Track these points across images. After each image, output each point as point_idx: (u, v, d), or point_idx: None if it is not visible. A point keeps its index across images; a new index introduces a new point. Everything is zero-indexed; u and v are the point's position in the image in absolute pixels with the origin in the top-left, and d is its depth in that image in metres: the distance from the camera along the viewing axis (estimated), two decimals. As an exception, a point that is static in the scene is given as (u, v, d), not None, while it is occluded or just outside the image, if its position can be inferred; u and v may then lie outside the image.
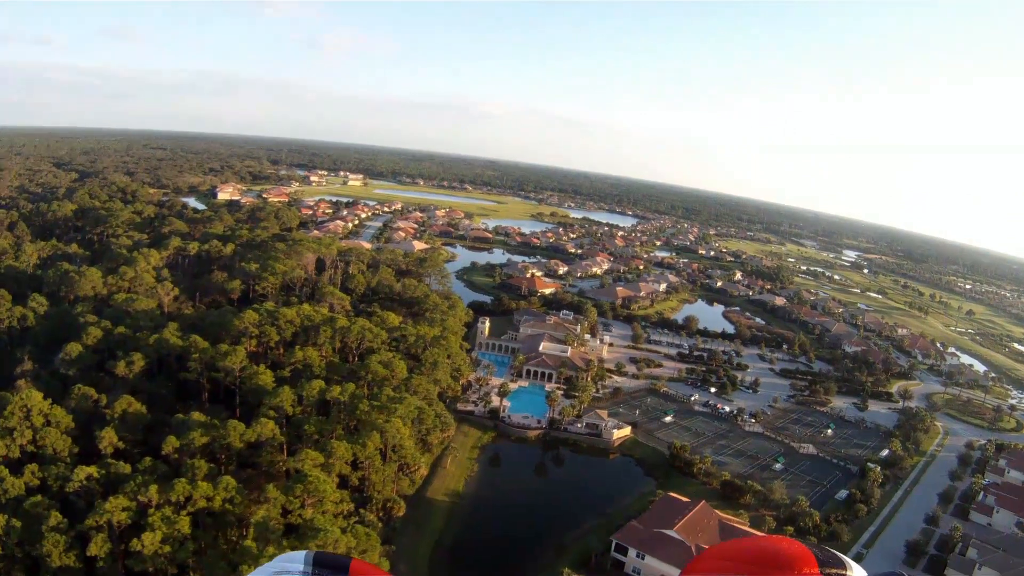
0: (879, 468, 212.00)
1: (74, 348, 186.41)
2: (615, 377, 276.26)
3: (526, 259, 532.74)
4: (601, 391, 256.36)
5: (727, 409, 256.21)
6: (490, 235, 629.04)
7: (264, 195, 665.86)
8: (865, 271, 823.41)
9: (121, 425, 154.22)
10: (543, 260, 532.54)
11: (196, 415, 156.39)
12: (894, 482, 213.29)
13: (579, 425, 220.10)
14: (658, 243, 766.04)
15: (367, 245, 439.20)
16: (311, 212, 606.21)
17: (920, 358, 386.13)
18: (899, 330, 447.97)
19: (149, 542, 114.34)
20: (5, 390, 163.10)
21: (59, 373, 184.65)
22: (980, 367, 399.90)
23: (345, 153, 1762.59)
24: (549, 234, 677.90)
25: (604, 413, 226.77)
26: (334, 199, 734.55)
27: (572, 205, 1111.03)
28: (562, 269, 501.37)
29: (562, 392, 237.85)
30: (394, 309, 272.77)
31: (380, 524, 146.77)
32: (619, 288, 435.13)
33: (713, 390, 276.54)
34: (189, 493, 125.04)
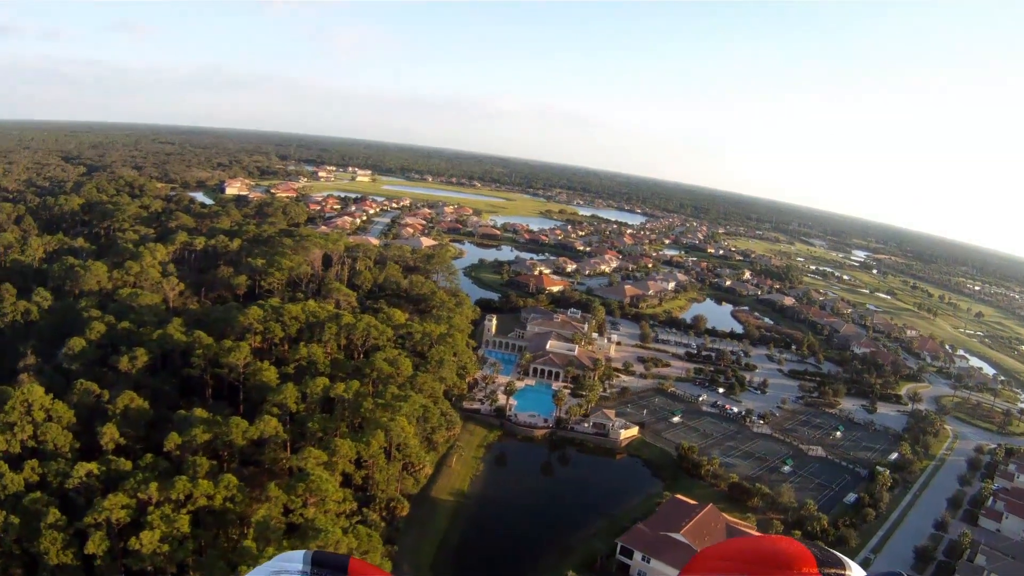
0: (888, 472, 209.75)
1: (77, 343, 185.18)
2: (622, 376, 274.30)
3: (534, 256, 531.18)
4: (608, 390, 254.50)
5: (735, 410, 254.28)
6: (498, 232, 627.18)
7: (272, 190, 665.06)
8: (874, 271, 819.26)
9: (123, 421, 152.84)
10: (551, 257, 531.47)
11: (199, 411, 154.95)
12: (903, 486, 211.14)
13: (586, 425, 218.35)
14: (667, 241, 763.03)
15: (375, 241, 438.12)
16: (319, 208, 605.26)
17: (929, 360, 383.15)
18: (908, 332, 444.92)
19: (148, 541, 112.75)
20: (8, 384, 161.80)
21: (62, 368, 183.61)
22: (989, 370, 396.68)
23: (354, 149, 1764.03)
24: (558, 231, 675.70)
25: (611, 413, 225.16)
26: (342, 195, 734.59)
27: (581, 202, 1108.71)
28: (570, 267, 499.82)
29: (569, 391, 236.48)
30: (401, 306, 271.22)
31: (383, 524, 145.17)
32: (627, 286, 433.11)
33: (721, 390, 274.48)
34: (190, 491, 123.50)
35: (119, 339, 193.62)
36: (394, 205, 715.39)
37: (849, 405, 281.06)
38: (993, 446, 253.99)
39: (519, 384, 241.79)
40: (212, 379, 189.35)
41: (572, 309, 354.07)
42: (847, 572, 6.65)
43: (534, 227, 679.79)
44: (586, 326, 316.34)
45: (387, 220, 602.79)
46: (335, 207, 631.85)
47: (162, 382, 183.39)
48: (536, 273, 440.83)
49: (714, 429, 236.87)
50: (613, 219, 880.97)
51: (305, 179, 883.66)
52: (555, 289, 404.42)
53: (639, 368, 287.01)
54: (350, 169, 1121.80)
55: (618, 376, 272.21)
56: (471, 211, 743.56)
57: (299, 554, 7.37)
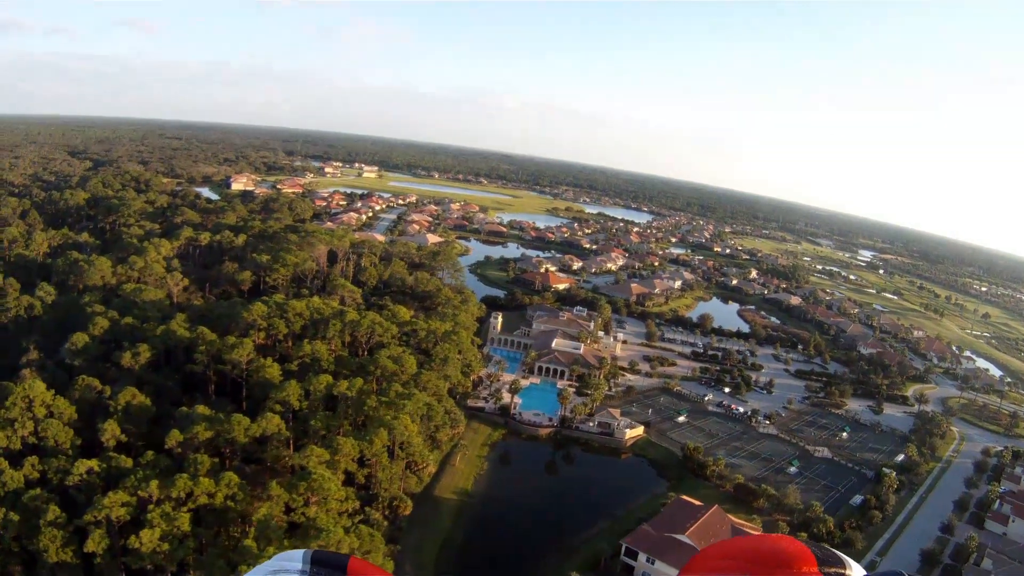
0: (894, 474, 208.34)
1: (80, 338, 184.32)
2: (628, 375, 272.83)
3: (540, 254, 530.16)
4: (614, 389, 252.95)
5: (741, 410, 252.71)
6: (504, 229, 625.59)
7: (278, 186, 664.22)
8: (881, 271, 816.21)
9: (124, 417, 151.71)
10: (557, 255, 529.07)
11: (201, 409, 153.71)
12: (909, 488, 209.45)
13: (591, 424, 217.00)
14: (673, 240, 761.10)
15: (380, 237, 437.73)
16: (325, 203, 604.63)
17: (936, 361, 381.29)
18: (915, 332, 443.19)
19: (147, 539, 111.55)
20: (10, 380, 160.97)
21: (65, 363, 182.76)
22: (996, 371, 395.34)
23: (360, 145, 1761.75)
24: (564, 229, 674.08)
25: (617, 412, 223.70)
26: (348, 191, 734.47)
27: (587, 200, 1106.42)
28: (576, 264, 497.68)
29: (574, 390, 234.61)
30: (406, 303, 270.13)
31: (386, 523, 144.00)
32: (633, 285, 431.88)
33: (727, 390, 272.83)
34: (190, 489, 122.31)
35: (122, 335, 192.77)
36: (400, 202, 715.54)
37: (855, 406, 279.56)
38: (1000, 448, 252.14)
39: (524, 382, 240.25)
40: (215, 375, 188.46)
41: (578, 307, 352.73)
42: (847, 571, 6.66)
43: (540, 224, 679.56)
44: (592, 324, 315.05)
45: (393, 216, 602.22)
46: (341, 203, 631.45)
47: (165, 378, 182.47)
48: (542, 271, 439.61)
49: (720, 429, 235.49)
50: (620, 217, 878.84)
51: (311, 175, 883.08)
52: (561, 287, 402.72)
53: (645, 367, 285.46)
54: (356, 165, 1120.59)
55: (624, 375, 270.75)
56: (477, 208, 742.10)
57: (298, 553, 7.32)
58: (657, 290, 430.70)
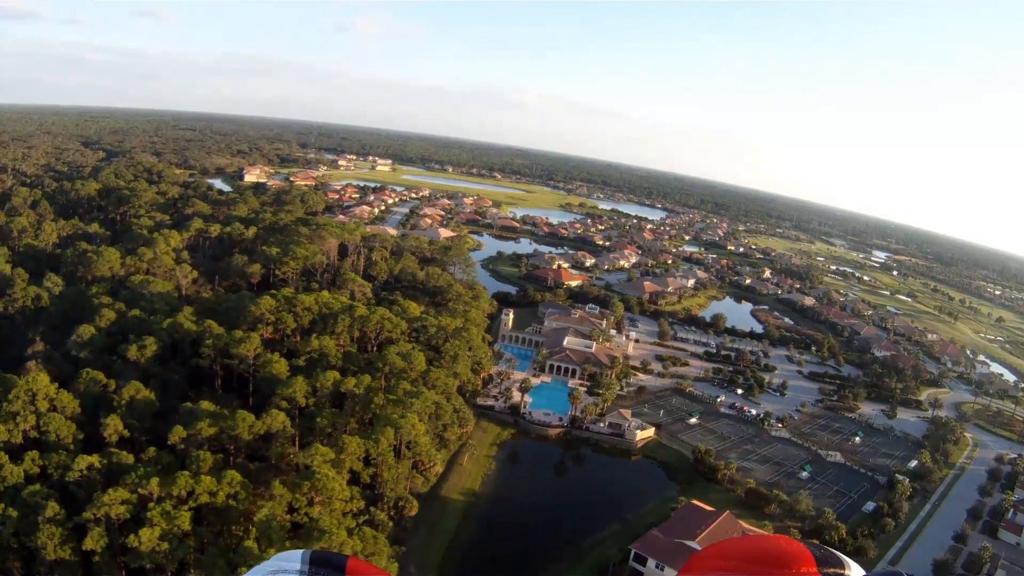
0: (907, 480, 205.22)
1: (86, 330, 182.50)
2: (640, 375, 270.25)
3: (553, 250, 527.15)
4: (625, 389, 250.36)
5: (753, 412, 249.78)
6: (517, 224, 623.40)
7: (291, 178, 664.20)
8: (894, 273, 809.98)
9: (128, 412, 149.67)
10: (570, 251, 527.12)
11: (205, 404, 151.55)
12: (922, 495, 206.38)
13: (601, 424, 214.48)
14: (687, 237, 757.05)
15: (392, 231, 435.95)
16: (338, 196, 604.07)
17: (950, 365, 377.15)
18: (929, 335, 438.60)
19: (147, 538, 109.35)
20: (15, 371, 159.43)
21: (71, 355, 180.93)
22: (1010, 377, 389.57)
23: (374, 138, 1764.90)
24: (577, 225, 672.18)
25: (627, 413, 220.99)
26: (361, 184, 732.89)
27: (601, 196, 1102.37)
28: (589, 261, 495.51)
29: (585, 389, 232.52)
30: (416, 298, 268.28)
31: (391, 524, 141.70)
32: (646, 282, 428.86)
33: (740, 392, 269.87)
34: (192, 487, 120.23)
35: (129, 327, 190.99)
36: (413, 195, 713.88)
37: (869, 410, 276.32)
38: (1014, 456, 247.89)
39: (535, 381, 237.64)
40: (222, 370, 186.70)
41: (590, 305, 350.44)
42: (847, 572, 6.82)
43: (553, 220, 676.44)
44: (604, 322, 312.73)
45: (406, 210, 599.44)
46: (354, 196, 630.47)
47: (171, 372, 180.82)
48: (555, 267, 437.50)
49: (732, 431, 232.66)
50: (633, 214, 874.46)
51: (325, 167, 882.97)
52: (573, 284, 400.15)
53: (657, 367, 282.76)
54: (370, 158, 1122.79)
55: (635, 375, 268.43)
56: (490, 203, 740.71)
57: (297, 553, 7.49)
58: (670, 288, 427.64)
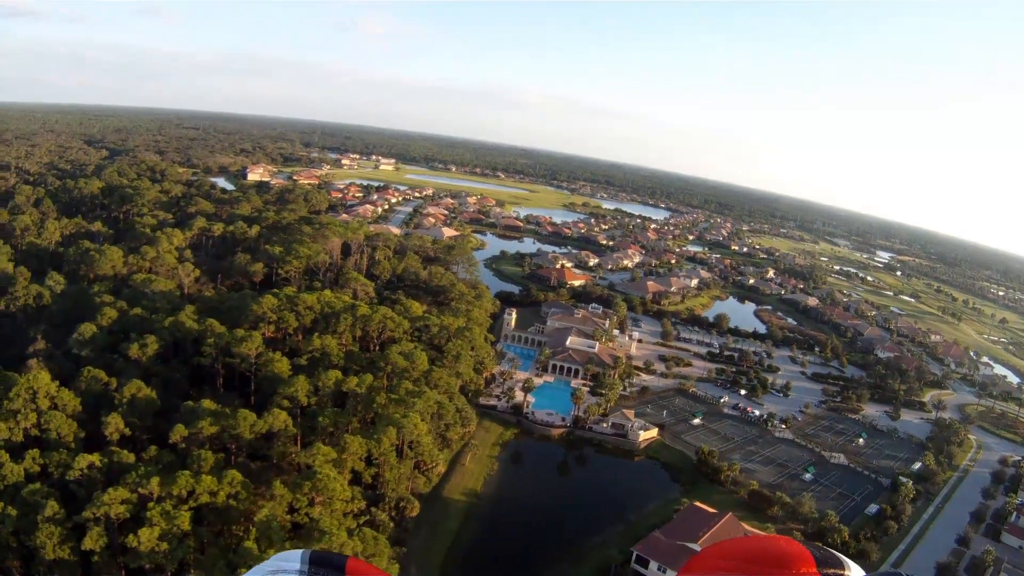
0: (911, 483, 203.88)
1: (88, 329, 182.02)
2: (643, 375, 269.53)
3: (556, 249, 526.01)
4: (628, 389, 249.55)
5: (757, 413, 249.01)
6: (521, 224, 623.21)
7: (294, 177, 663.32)
8: (898, 273, 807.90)
9: (129, 411, 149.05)
10: (574, 251, 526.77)
11: (206, 403, 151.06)
12: (926, 498, 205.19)
13: (604, 425, 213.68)
14: (690, 237, 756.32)
15: (396, 230, 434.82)
16: (341, 195, 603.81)
17: (953, 367, 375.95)
18: (932, 336, 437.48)
19: (146, 538, 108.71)
20: (17, 370, 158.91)
21: (72, 354, 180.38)
22: (1014, 378, 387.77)
23: (378, 137, 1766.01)
24: (580, 224, 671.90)
25: (631, 413, 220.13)
26: (365, 183, 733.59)
27: (605, 196, 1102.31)
28: (593, 261, 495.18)
29: (588, 389, 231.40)
30: (419, 297, 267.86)
31: (392, 524, 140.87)
32: (650, 282, 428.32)
33: (743, 392, 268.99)
34: (192, 487, 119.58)
35: (131, 325, 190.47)
36: (417, 194, 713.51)
37: (872, 411, 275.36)
38: (1018, 458, 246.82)
39: (537, 381, 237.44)
40: (224, 369, 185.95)
41: (593, 304, 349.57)
42: (846, 572, 6.81)
43: (557, 220, 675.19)
44: (607, 322, 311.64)
45: (409, 209, 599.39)
46: (357, 195, 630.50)
47: (173, 371, 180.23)
48: (558, 267, 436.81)
49: (735, 432, 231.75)
50: (637, 213, 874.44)
51: (328, 166, 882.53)
52: (577, 283, 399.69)
53: (660, 367, 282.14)
54: (374, 157, 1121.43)
55: (639, 375, 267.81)
56: (494, 202, 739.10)
57: (297, 553, 7.51)
58: (673, 288, 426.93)
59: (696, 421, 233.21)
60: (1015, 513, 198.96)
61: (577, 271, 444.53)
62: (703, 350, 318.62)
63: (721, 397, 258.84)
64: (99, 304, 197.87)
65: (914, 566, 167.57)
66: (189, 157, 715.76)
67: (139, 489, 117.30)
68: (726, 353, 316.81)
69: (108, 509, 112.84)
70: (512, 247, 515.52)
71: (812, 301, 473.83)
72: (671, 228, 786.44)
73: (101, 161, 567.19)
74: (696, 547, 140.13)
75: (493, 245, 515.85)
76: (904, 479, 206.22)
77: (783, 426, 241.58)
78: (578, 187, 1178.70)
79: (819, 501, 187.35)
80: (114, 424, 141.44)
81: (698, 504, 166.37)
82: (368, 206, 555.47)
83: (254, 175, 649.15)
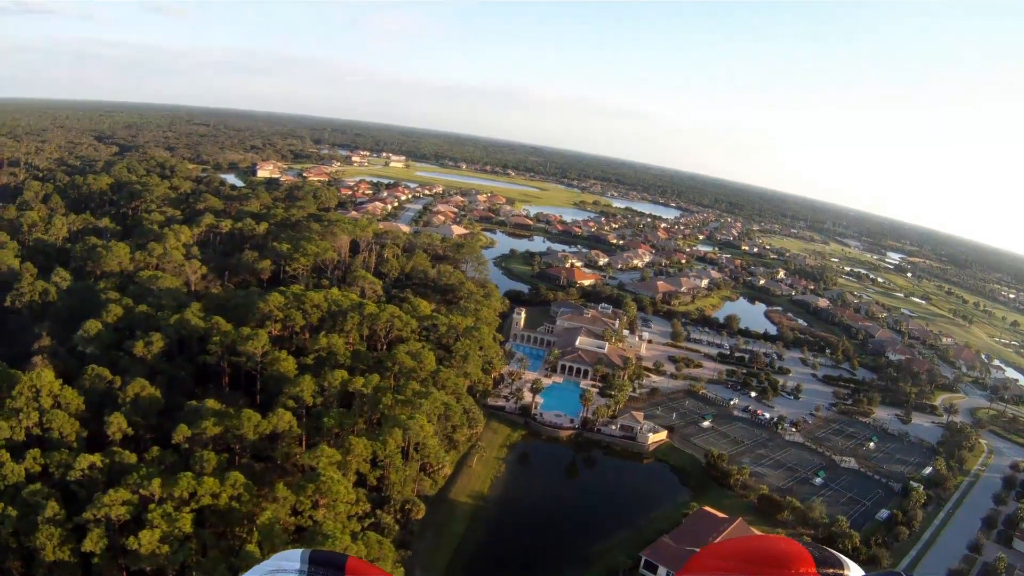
0: (922, 488, 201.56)
1: (93, 326, 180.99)
2: (653, 376, 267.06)
3: (566, 248, 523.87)
4: (638, 391, 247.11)
5: (767, 416, 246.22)
6: (531, 222, 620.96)
7: (304, 174, 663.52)
8: (909, 275, 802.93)
9: (133, 410, 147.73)
10: (583, 250, 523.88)
11: (210, 403, 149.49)
12: (936, 503, 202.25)
13: (613, 427, 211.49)
14: (701, 237, 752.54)
15: (405, 228, 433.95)
16: (351, 192, 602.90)
17: (964, 370, 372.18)
18: (944, 339, 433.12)
19: (146, 541, 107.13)
20: (22, 367, 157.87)
21: (77, 351, 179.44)
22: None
23: (389, 134, 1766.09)
24: (591, 223, 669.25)
25: (640, 415, 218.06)
26: (375, 180, 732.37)
27: (615, 194, 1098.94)
28: (602, 260, 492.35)
29: (597, 390, 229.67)
30: (428, 296, 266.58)
31: (397, 527, 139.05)
32: (660, 282, 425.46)
33: (753, 394, 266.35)
34: (194, 489, 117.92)
35: (136, 323, 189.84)
36: (426, 192, 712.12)
37: (883, 414, 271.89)
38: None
39: (546, 381, 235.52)
40: (229, 367, 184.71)
41: (603, 304, 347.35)
42: (846, 572, 6.74)
43: (567, 218, 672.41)
44: (617, 322, 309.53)
45: (419, 207, 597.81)
46: (367, 192, 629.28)
47: (178, 368, 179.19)
48: (568, 266, 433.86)
49: (745, 435, 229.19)
50: (647, 212, 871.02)
51: (338, 163, 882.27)
52: (586, 283, 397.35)
53: (670, 368, 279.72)
54: (384, 155, 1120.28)
55: (648, 376, 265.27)
56: (504, 200, 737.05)
57: (296, 553, 7.38)
58: (684, 288, 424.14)
59: (706, 423, 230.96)
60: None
61: (587, 270, 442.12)
62: (713, 351, 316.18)
63: (731, 399, 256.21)
64: (105, 301, 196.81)
65: (926, 573, 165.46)
66: (199, 153, 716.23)
67: (140, 490, 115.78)
68: (736, 354, 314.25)
69: (109, 510, 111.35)
70: (522, 245, 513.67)
71: (823, 302, 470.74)
72: (681, 227, 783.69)
73: (111, 157, 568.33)
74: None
75: (503, 243, 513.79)
76: (915, 484, 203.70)
77: (793, 429, 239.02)
78: (588, 185, 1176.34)
79: (830, 506, 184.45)
80: (116, 424, 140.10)
81: (707, 509, 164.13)
82: (378, 203, 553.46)
83: (264, 172, 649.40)
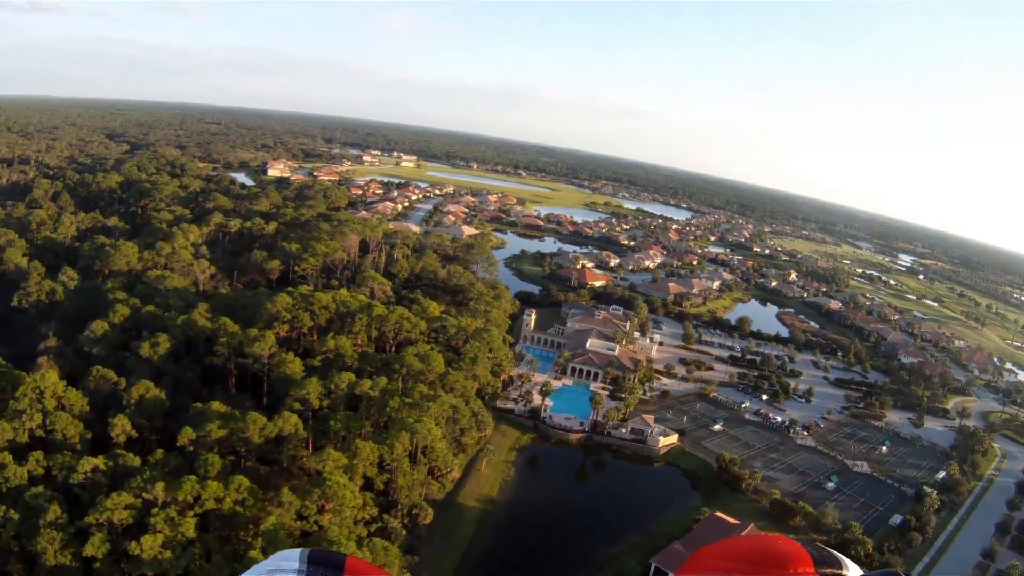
0: (935, 493, 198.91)
1: (100, 326, 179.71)
2: (663, 379, 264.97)
3: (577, 249, 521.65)
4: (648, 393, 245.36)
5: (778, 419, 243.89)
6: (541, 223, 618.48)
7: (315, 173, 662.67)
8: (921, 277, 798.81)
9: (137, 411, 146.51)
10: (595, 251, 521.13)
11: (215, 405, 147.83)
12: (950, 508, 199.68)
13: (623, 430, 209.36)
14: (712, 238, 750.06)
15: (415, 228, 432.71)
16: (361, 192, 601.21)
17: (977, 373, 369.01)
18: (956, 342, 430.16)
19: (149, 546, 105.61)
20: (27, 367, 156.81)
21: (83, 351, 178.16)
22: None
23: (400, 134, 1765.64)
24: (602, 224, 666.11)
25: (650, 419, 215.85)
26: (385, 180, 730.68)
27: (626, 195, 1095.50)
28: (613, 261, 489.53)
29: (607, 393, 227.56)
30: (437, 297, 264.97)
31: (404, 532, 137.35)
32: (671, 284, 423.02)
33: (765, 397, 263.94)
34: (198, 492, 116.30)
35: (143, 323, 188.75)
36: (437, 192, 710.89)
37: (895, 418, 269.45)
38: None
39: (556, 384, 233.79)
40: (236, 368, 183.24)
41: (614, 306, 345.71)
42: (844, 572, 6.84)
43: (578, 219, 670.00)
44: (628, 324, 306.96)
45: (429, 207, 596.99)
46: (377, 192, 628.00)
47: (184, 369, 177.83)
48: (579, 267, 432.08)
49: (756, 439, 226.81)
50: (659, 213, 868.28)
51: (349, 163, 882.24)
52: (597, 284, 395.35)
53: (681, 371, 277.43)
54: (395, 154, 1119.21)
55: (659, 378, 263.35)
56: (515, 200, 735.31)
57: (295, 552, 7.44)
58: (695, 290, 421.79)
59: (717, 427, 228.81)
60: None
61: (598, 271, 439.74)
62: (725, 353, 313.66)
63: (742, 402, 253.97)
64: (112, 301, 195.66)
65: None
66: (210, 152, 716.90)
67: (143, 494, 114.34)
68: (748, 357, 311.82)
69: (111, 515, 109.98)
70: (532, 246, 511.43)
71: (835, 304, 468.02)
72: (692, 229, 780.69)
73: (121, 155, 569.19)
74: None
75: (513, 244, 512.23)
76: (929, 489, 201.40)
77: (805, 433, 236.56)
78: (600, 186, 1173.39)
79: (842, 511, 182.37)
80: (120, 426, 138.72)
81: (719, 514, 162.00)
82: (388, 203, 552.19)
83: (274, 171, 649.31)
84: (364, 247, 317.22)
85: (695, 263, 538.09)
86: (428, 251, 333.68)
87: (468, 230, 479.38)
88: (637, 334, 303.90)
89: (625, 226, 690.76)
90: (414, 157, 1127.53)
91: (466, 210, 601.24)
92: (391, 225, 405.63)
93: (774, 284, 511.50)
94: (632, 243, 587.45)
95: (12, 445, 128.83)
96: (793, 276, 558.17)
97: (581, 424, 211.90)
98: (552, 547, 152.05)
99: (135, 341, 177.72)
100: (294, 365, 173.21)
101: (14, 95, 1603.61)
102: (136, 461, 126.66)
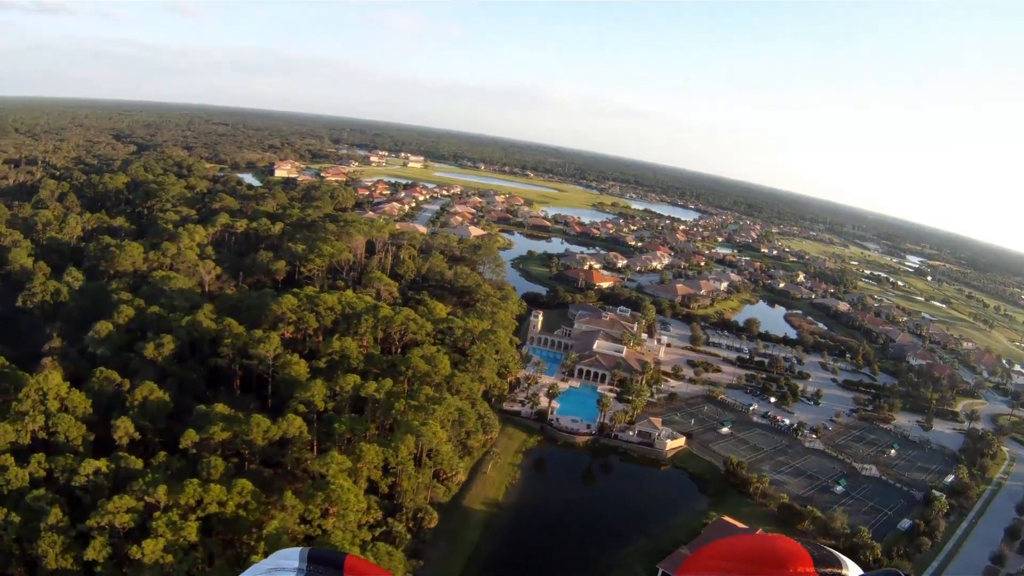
0: (944, 497, 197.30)
1: (104, 327, 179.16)
2: (671, 381, 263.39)
3: (584, 250, 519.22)
4: (656, 396, 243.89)
5: (787, 422, 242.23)
6: (549, 223, 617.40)
7: (322, 174, 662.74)
8: (929, 278, 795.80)
9: (141, 413, 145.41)
10: (602, 252, 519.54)
11: (219, 407, 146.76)
12: (959, 512, 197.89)
13: (631, 433, 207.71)
14: (720, 239, 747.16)
15: (422, 229, 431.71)
16: (368, 193, 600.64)
17: (986, 375, 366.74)
18: (964, 343, 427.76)
19: (150, 550, 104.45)
20: (32, 368, 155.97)
21: (88, 352, 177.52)
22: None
23: (407, 135, 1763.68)
24: (609, 225, 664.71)
25: (658, 421, 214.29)
26: (393, 180, 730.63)
27: (634, 196, 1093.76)
28: (621, 262, 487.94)
29: (615, 395, 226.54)
30: (444, 298, 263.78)
31: (409, 536, 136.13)
32: (679, 285, 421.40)
33: (773, 400, 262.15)
34: (200, 496, 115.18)
35: (148, 324, 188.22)
36: (444, 192, 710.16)
37: (904, 421, 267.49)
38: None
39: (563, 386, 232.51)
40: (241, 370, 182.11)
41: (621, 307, 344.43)
42: (845, 571, 6.83)
43: (585, 220, 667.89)
44: (635, 326, 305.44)
45: (436, 207, 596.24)
46: (384, 192, 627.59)
47: (189, 371, 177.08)
48: (586, 268, 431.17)
49: (764, 442, 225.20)
50: (666, 214, 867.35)
51: (356, 163, 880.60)
52: (605, 285, 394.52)
53: (689, 372, 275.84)
54: (402, 155, 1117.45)
55: (667, 380, 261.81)
56: (522, 201, 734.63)
57: (295, 551, 7.43)
58: (703, 291, 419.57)
59: (724, 430, 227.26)
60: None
61: (605, 272, 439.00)
62: (732, 355, 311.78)
63: (750, 405, 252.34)
64: (116, 301, 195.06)
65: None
66: (217, 153, 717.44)
67: (146, 497, 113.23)
68: (756, 359, 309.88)
69: (113, 518, 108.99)
70: (540, 247, 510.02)
71: (843, 306, 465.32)
72: (700, 230, 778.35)
73: (128, 156, 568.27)
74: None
75: (520, 245, 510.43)
76: (937, 493, 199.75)
77: (813, 436, 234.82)
78: (607, 187, 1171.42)
79: (851, 515, 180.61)
80: (123, 428, 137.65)
81: (727, 519, 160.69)
82: (395, 204, 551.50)
83: (281, 171, 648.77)
84: (371, 248, 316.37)
85: (703, 264, 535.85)
86: (435, 252, 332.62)
87: (475, 231, 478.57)
88: (644, 335, 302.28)
89: (632, 227, 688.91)
90: (421, 158, 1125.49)
91: (473, 211, 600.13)
92: (398, 226, 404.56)
93: (782, 285, 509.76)
94: (639, 244, 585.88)
95: (14, 447, 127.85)
96: (801, 277, 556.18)
97: (588, 427, 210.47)
98: (558, 551, 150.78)
99: (139, 342, 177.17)
100: (299, 367, 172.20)
101: (15, 95, 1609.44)
102: (138, 464, 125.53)
